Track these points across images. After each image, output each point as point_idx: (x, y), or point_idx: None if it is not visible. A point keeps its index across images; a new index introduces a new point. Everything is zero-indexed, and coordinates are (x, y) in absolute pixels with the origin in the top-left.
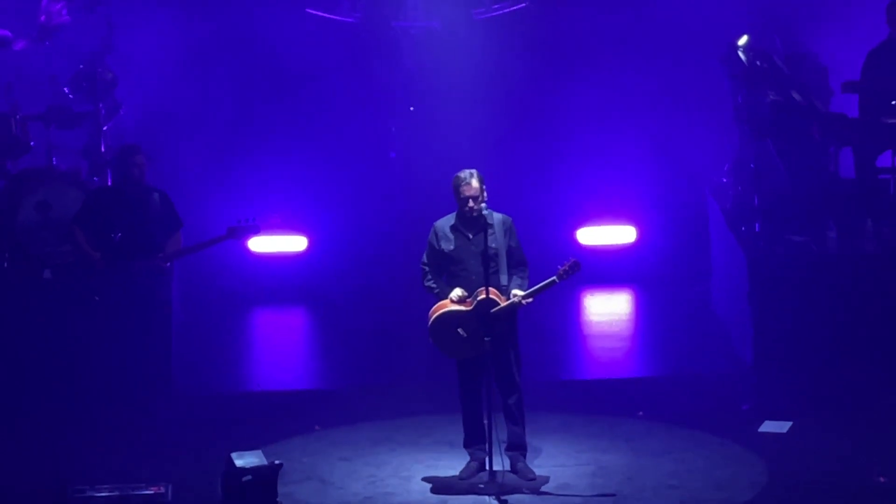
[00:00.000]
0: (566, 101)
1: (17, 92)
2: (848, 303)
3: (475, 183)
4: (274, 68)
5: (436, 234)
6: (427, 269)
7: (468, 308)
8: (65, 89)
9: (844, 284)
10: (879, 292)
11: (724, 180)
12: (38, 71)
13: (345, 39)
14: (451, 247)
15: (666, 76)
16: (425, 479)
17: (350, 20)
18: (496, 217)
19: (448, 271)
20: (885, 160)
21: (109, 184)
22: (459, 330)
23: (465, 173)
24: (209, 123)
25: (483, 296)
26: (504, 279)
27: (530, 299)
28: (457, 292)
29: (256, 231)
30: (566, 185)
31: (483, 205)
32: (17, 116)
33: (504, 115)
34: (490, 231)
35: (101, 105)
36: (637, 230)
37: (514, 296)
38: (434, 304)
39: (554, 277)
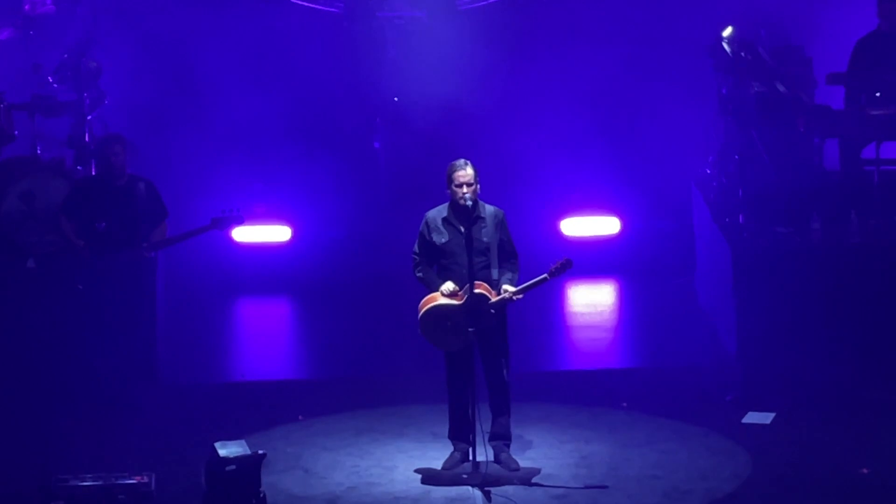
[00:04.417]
0: (550, 91)
1: (1, 81)
2: (832, 294)
3: (470, 170)
4: (258, 58)
5: (427, 226)
6: (418, 259)
7: (459, 302)
8: (49, 79)
9: (828, 276)
10: (863, 284)
11: (709, 171)
12: (22, 60)
13: (329, 29)
14: (444, 239)
15: (651, 67)
16: (409, 470)
17: (334, 10)
18: (488, 210)
19: (439, 263)
20: (869, 152)
21: (94, 173)
22: (449, 323)
23: (459, 161)
24: (194, 113)
25: (474, 290)
26: (495, 273)
27: (521, 295)
28: (448, 286)
29: (240, 221)
30: (550, 175)
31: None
32: (1, 106)
33: (488, 105)
34: (482, 224)
35: (85, 95)
36: (621, 221)
37: (505, 291)
38: (425, 296)
39: (545, 275)
